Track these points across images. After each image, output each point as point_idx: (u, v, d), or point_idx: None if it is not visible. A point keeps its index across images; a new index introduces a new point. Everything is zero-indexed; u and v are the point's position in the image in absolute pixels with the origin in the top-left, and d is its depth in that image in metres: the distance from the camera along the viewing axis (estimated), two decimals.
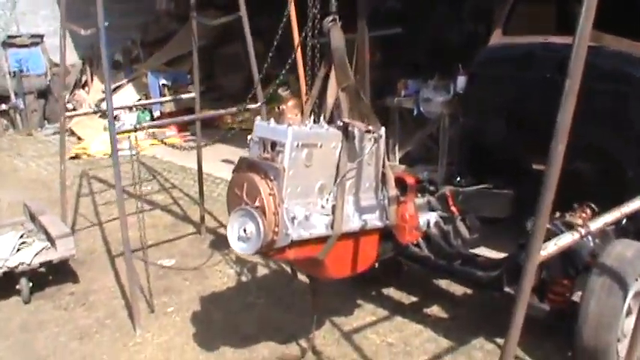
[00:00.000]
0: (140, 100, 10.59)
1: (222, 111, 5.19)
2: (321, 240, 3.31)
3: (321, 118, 3.42)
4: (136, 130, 4.33)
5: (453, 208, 4.61)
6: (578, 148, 4.74)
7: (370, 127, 3.40)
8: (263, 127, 3.28)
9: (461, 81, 6.80)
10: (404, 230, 3.87)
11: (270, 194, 3.12)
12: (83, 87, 12.09)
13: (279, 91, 3.01)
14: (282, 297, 4.91)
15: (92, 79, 12.00)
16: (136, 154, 4.59)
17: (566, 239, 2.39)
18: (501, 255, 4.93)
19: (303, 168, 3.20)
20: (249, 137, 3.34)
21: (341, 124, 3.37)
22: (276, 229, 3.12)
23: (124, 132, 4.39)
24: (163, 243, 6.15)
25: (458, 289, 4.87)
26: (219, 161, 8.11)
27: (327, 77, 3.44)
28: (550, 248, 2.24)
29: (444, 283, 4.92)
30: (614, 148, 4.45)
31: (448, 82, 6.98)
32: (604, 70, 4.30)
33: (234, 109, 4.92)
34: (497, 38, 5.34)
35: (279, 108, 3.08)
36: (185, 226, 6.63)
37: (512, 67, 5.12)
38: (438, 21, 9.32)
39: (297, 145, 3.14)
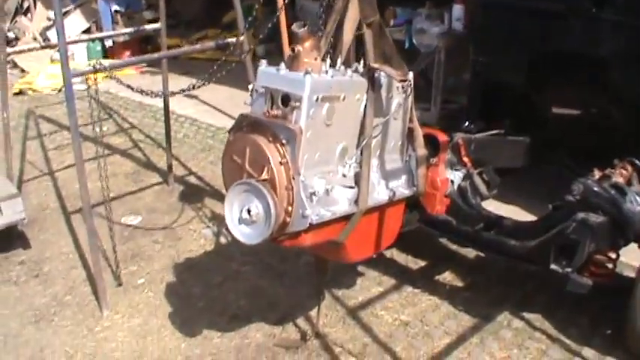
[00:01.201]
0: (89, 28, 9.59)
1: (197, 46, 4.36)
2: (342, 218, 2.62)
3: (338, 61, 2.68)
4: (96, 71, 3.53)
5: (466, 159, 3.94)
6: (614, 97, 4.19)
7: (403, 75, 2.69)
8: (270, 75, 2.49)
9: (457, 10, 6.06)
10: (434, 199, 3.21)
11: (281, 163, 2.39)
12: (25, 14, 10.96)
13: (294, 27, 2.29)
14: (271, 264, 4.24)
15: (35, 5, 10.86)
16: (94, 90, 3.74)
17: None
18: (522, 215, 4.37)
19: (323, 128, 2.47)
20: (249, 86, 2.58)
21: (366, 69, 2.64)
22: (290, 209, 2.41)
23: (81, 74, 3.57)
24: (126, 196, 5.38)
25: (469, 250, 4.25)
26: (181, 95, 7.30)
27: (345, 9, 2.68)
28: None
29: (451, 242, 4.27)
30: None
31: (442, 10, 6.22)
32: None
33: (211, 44, 4.10)
34: None
35: (293, 50, 2.31)
36: (149, 174, 5.85)
37: None
38: None
39: (317, 99, 2.40)
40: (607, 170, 3.57)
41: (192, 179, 5.70)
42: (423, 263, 4.26)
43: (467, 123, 4.46)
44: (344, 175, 2.62)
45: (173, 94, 3.75)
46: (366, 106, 2.63)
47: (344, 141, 2.60)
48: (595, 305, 3.62)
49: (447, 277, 4.11)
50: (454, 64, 5.98)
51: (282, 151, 2.39)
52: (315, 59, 2.46)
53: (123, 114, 7.50)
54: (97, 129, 3.97)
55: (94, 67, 3.52)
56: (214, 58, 7.23)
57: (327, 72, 2.50)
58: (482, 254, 4.19)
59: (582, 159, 4.26)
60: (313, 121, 2.41)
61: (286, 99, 2.41)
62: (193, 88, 3.63)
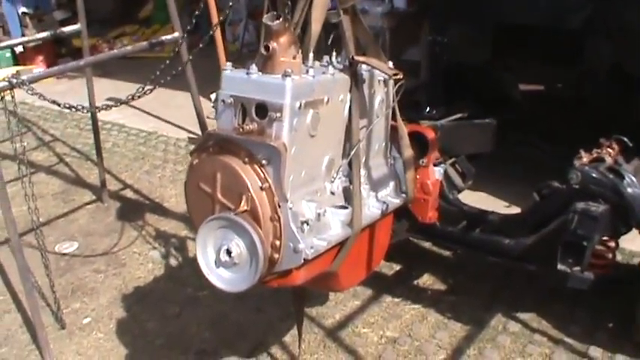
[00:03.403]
0: None
1: (128, 48, 3.81)
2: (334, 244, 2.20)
3: (310, 55, 2.25)
4: (12, 87, 3.00)
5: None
6: (600, 71, 3.89)
7: (393, 69, 2.28)
8: (239, 81, 2.03)
9: None
10: (425, 205, 2.81)
11: (262, 189, 1.96)
12: None
13: (265, 19, 1.85)
14: None
15: None
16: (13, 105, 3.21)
17: None
18: (492, 202, 4.06)
19: (307, 140, 2.05)
20: (212, 96, 2.12)
21: (347, 64, 2.22)
22: (278, 244, 1.98)
23: None
24: (56, 219, 4.82)
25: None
26: (103, 100, 6.73)
27: None
28: None
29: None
30: None
31: None
32: None
33: (144, 44, 3.60)
34: None
35: (267, 48, 1.85)
36: (80, 192, 5.29)
37: None
38: None
39: (300, 106, 1.97)
40: (594, 151, 3.25)
41: (129, 193, 5.18)
42: (397, 267, 3.89)
43: (428, 109, 4.11)
44: (332, 193, 2.21)
45: (109, 107, 3.20)
46: (350, 107, 2.21)
47: (330, 152, 2.18)
48: (593, 296, 3.31)
49: (427, 280, 3.76)
50: (400, 45, 5.61)
51: (262, 174, 1.95)
52: (294, 57, 2.02)
53: (42, 126, 6.87)
54: (17, 145, 3.42)
55: (9, 82, 2.98)
56: (139, 56, 6.71)
57: (307, 71, 2.06)
58: (458, 250, 3.85)
59: (553, 139, 3.99)
60: (297, 133, 1.98)
61: (262, 109, 1.97)
62: (133, 98, 3.07)
